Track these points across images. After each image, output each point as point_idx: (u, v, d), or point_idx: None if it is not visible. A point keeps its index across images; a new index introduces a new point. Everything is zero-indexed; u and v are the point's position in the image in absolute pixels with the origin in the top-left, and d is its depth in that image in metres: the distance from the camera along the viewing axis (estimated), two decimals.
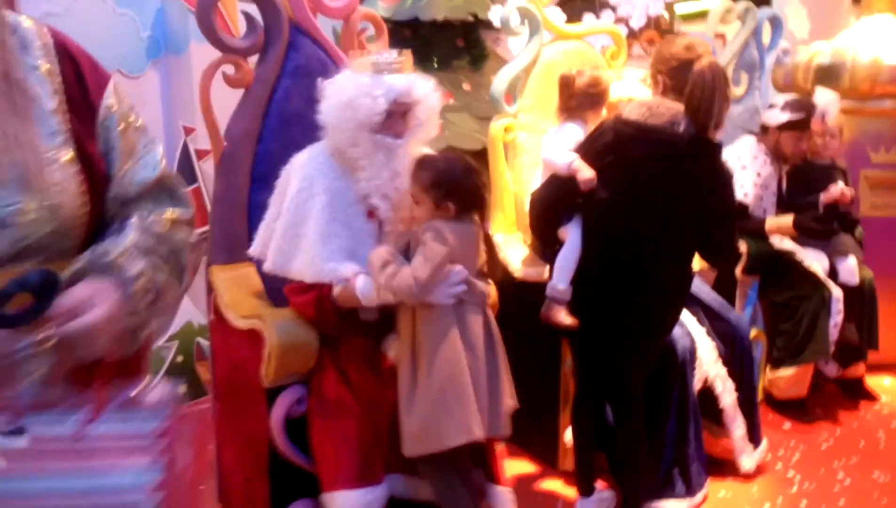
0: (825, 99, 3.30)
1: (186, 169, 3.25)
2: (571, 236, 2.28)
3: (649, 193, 2.17)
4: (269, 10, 2.37)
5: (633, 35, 4.07)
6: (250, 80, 2.36)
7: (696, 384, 2.64)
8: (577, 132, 2.44)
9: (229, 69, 2.34)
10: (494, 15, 3.03)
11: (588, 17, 3.75)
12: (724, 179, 2.27)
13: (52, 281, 1.12)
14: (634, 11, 3.61)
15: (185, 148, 3.27)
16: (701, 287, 2.84)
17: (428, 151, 2.12)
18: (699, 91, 2.13)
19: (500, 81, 2.93)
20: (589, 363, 2.38)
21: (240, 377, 2.21)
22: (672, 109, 2.18)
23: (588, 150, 2.24)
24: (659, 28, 4.26)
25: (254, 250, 2.14)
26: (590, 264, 2.26)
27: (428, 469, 1.95)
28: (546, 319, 2.31)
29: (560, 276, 2.29)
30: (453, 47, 4.05)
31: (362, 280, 1.95)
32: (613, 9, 3.91)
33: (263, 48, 2.39)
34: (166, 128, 3.22)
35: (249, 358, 2.14)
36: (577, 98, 2.51)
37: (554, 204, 2.32)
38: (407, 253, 1.98)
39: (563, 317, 2.28)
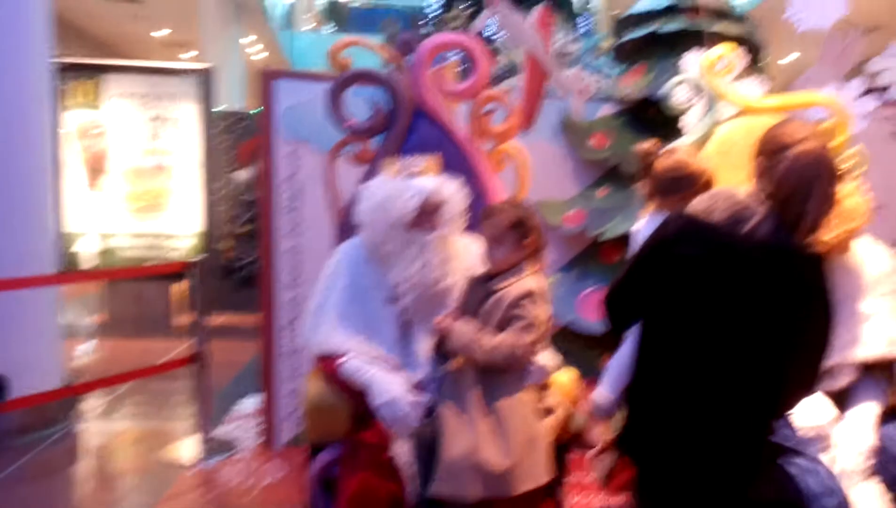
0: None
1: None
2: (630, 339, 1.92)
3: (698, 307, 1.71)
4: (392, 93, 2.55)
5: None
6: (371, 157, 2.56)
7: None
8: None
9: (352, 148, 2.57)
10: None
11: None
12: (814, 304, 1.69)
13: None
14: None
15: None
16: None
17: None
18: (791, 180, 1.66)
19: None
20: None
21: None
22: (741, 202, 1.70)
23: (650, 246, 1.87)
24: None
25: None
26: (640, 375, 1.85)
27: None
28: (584, 433, 1.96)
29: (607, 382, 1.93)
30: None
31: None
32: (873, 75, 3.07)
33: (386, 128, 2.57)
34: None
35: None
36: (656, 181, 2.12)
37: (619, 296, 1.97)
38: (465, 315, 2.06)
39: (598, 434, 1.91)
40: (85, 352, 5.72)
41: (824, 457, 1.96)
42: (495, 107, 2.61)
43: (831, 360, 1.89)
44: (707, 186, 2.12)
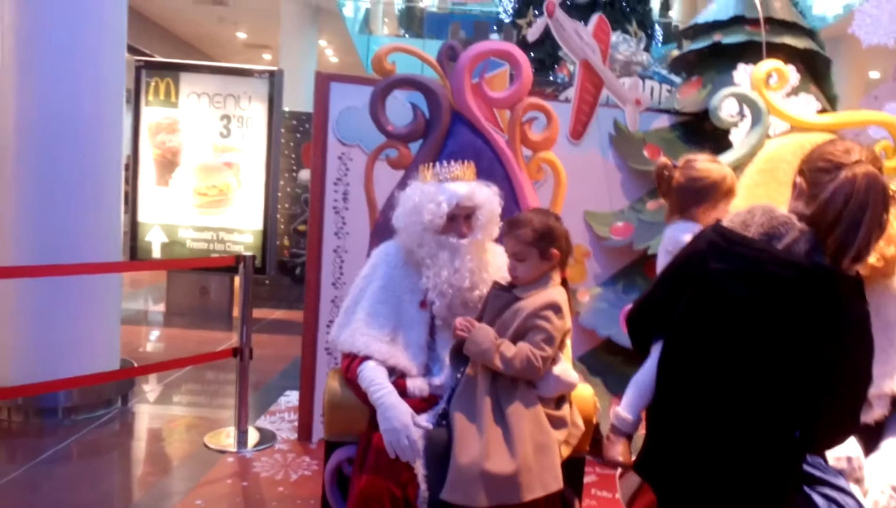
0: None
1: None
2: (651, 357, 1.86)
3: (725, 325, 1.63)
4: (433, 100, 2.57)
5: None
6: (409, 162, 2.57)
7: None
8: (686, 230, 1.98)
9: (392, 152, 2.60)
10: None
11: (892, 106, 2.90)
12: (850, 330, 1.59)
13: None
14: None
15: None
16: None
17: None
18: (838, 204, 1.57)
19: None
20: None
21: None
22: (778, 219, 1.62)
23: (680, 260, 1.81)
24: None
25: None
26: (661, 396, 1.79)
27: None
28: (604, 451, 1.91)
29: (628, 401, 1.88)
30: None
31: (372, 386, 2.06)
32: None
33: (425, 134, 2.59)
34: None
35: None
36: (677, 194, 2.05)
37: (645, 311, 1.92)
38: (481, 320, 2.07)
39: (617, 453, 1.86)
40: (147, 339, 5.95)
41: (855, 489, 1.87)
42: (536, 115, 2.59)
43: None
44: (729, 193, 2.06)
